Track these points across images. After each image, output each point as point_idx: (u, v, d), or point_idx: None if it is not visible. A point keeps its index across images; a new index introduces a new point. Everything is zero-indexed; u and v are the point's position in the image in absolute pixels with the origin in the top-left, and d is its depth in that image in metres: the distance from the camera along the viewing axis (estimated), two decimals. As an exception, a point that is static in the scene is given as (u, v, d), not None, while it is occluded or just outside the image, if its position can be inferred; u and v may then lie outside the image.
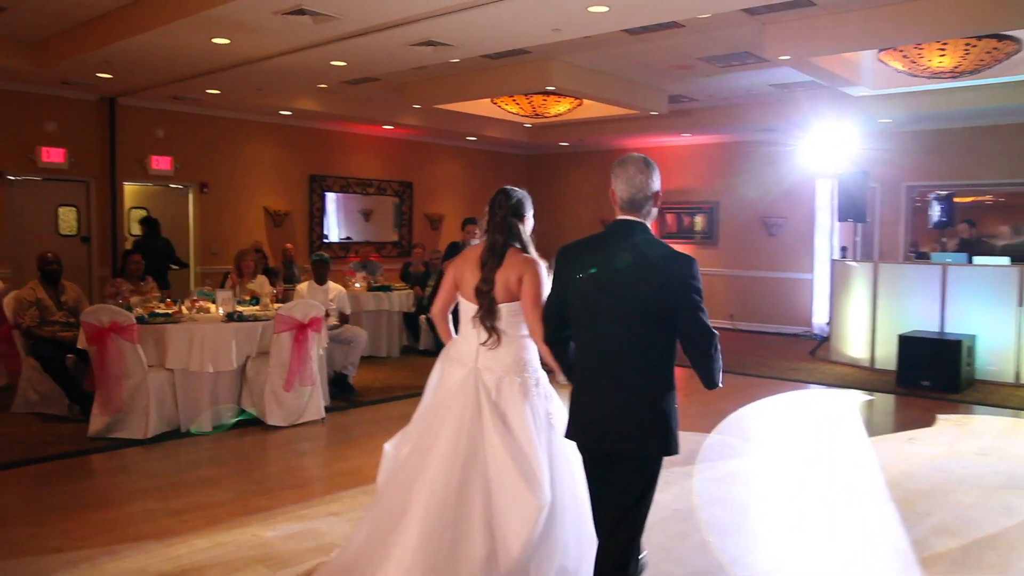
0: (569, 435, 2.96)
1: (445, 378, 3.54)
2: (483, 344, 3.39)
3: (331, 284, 8.39)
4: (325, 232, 13.38)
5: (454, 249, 9.36)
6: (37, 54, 8.86)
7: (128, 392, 6.14)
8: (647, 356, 2.77)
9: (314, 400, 6.83)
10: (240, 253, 8.68)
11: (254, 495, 5.02)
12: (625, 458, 2.82)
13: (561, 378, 3.14)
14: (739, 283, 13.96)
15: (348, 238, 13.78)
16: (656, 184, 2.90)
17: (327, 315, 7.88)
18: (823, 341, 10.87)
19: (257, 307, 7.30)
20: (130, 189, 11.62)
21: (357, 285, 10.34)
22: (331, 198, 13.46)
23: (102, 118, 10.72)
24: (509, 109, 11.34)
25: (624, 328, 2.77)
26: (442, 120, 13.15)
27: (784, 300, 13.41)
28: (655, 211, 2.94)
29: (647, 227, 2.89)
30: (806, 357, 10.80)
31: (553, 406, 3.43)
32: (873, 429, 7.14)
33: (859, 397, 8.38)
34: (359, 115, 12.32)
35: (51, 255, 7.17)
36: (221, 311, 6.81)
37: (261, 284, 8.48)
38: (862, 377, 9.41)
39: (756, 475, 5.71)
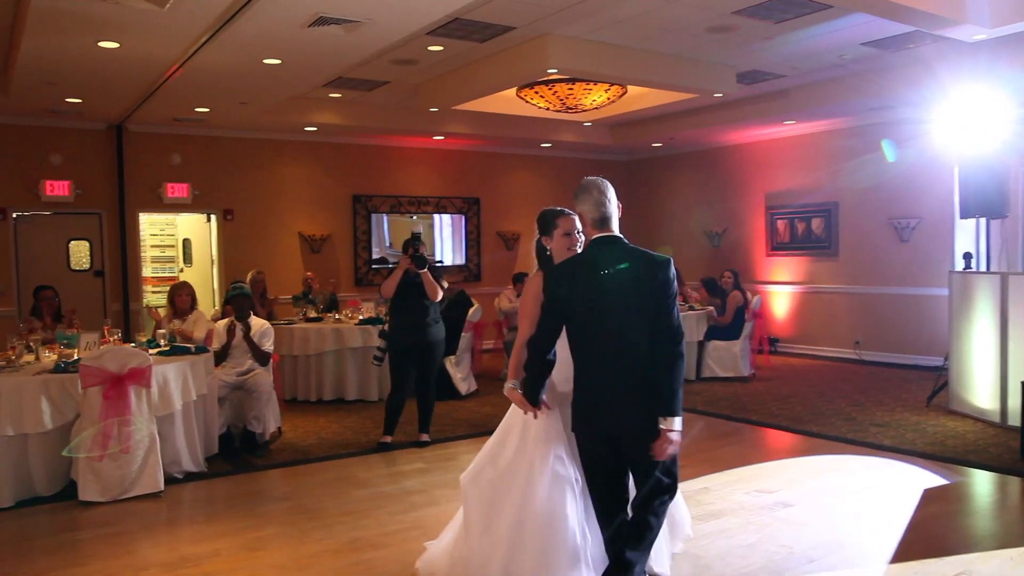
0: (577, 427, 3.35)
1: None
2: None
3: (254, 319, 7.08)
4: (373, 256, 12.20)
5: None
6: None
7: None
8: (646, 348, 3.12)
9: (149, 469, 5.50)
10: (173, 287, 7.61)
11: None
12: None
13: (510, 384, 3.46)
14: (865, 303, 11.06)
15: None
16: (615, 199, 3.34)
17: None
18: (944, 384, 7.95)
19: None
20: (182, 220, 11.19)
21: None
22: (379, 220, 12.26)
23: (110, 147, 10.25)
24: (536, 104, 9.56)
25: (627, 327, 3.13)
26: (496, 126, 11.60)
27: (917, 323, 10.38)
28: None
29: (622, 237, 3.27)
30: (920, 404, 7.98)
31: None
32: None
33: (972, 486, 5.64)
34: (396, 127, 11.06)
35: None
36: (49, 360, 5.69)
37: (195, 322, 7.38)
38: (987, 440, 6.57)
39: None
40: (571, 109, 9.53)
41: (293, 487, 5.75)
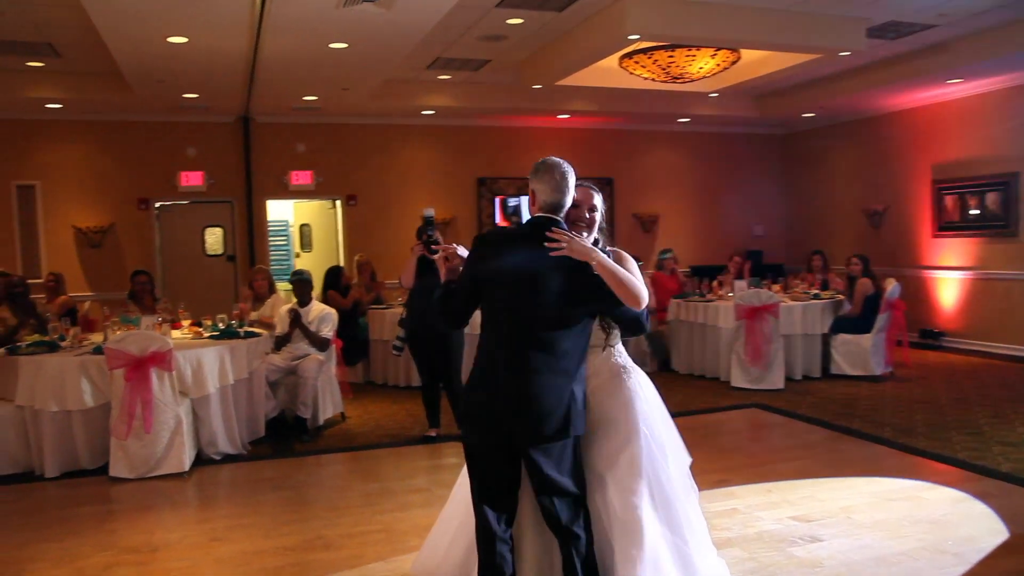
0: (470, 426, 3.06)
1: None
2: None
3: (317, 305, 7.11)
4: (498, 241, 11.97)
5: None
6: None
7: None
8: (563, 345, 2.90)
9: (175, 449, 5.63)
10: (251, 272, 7.83)
11: None
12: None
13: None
14: (1049, 293, 9.29)
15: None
16: (573, 191, 3.03)
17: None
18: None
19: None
20: (300, 206, 11.64)
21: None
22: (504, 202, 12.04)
23: (238, 138, 10.79)
24: (639, 74, 8.87)
25: (545, 320, 2.88)
26: (623, 101, 10.96)
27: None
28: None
29: (565, 227, 2.97)
30: (1081, 418, 6.53)
31: None
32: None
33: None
34: (515, 106, 10.77)
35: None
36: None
37: (272, 306, 7.57)
38: None
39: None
40: (677, 79, 8.73)
41: (307, 476, 5.68)
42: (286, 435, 6.67)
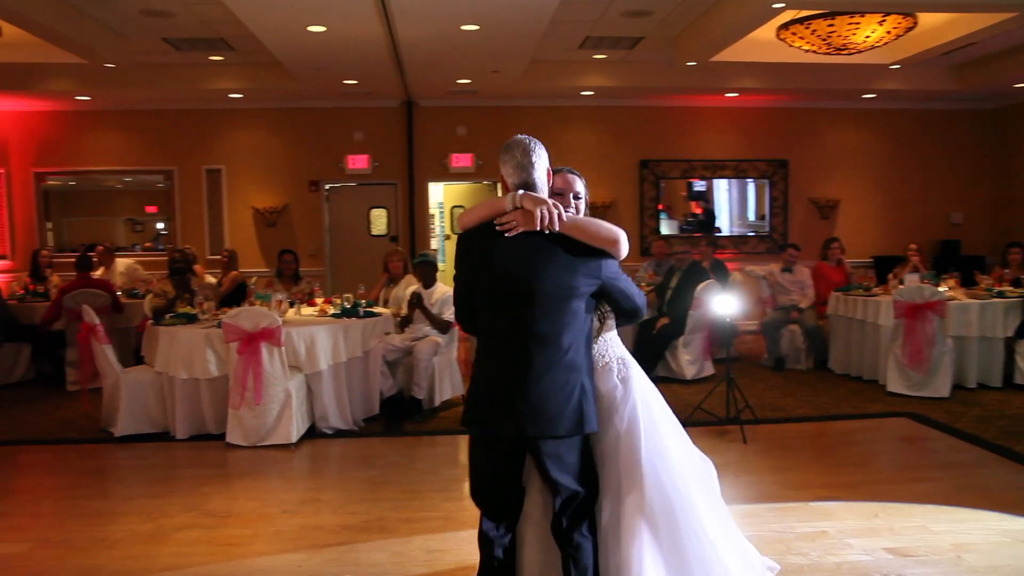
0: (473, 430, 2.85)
1: None
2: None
3: (439, 284, 7.19)
4: (662, 226, 11.56)
5: None
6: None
7: (108, 391, 6.27)
8: (564, 336, 2.68)
9: (285, 422, 5.91)
10: (387, 252, 8.04)
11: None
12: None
13: None
14: None
15: (688, 230, 11.67)
16: (543, 162, 2.78)
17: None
18: None
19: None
20: (450, 188, 11.88)
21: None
22: (667, 185, 11.57)
23: (402, 121, 11.14)
24: (799, 47, 8.14)
25: (539, 311, 2.66)
26: (795, 77, 10.17)
27: None
28: (548, 187, 2.81)
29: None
30: None
31: None
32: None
33: None
34: (678, 85, 10.30)
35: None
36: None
37: (407, 287, 7.76)
38: None
39: None
40: (841, 50, 7.90)
41: (400, 457, 5.74)
42: (400, 415, 6.81)
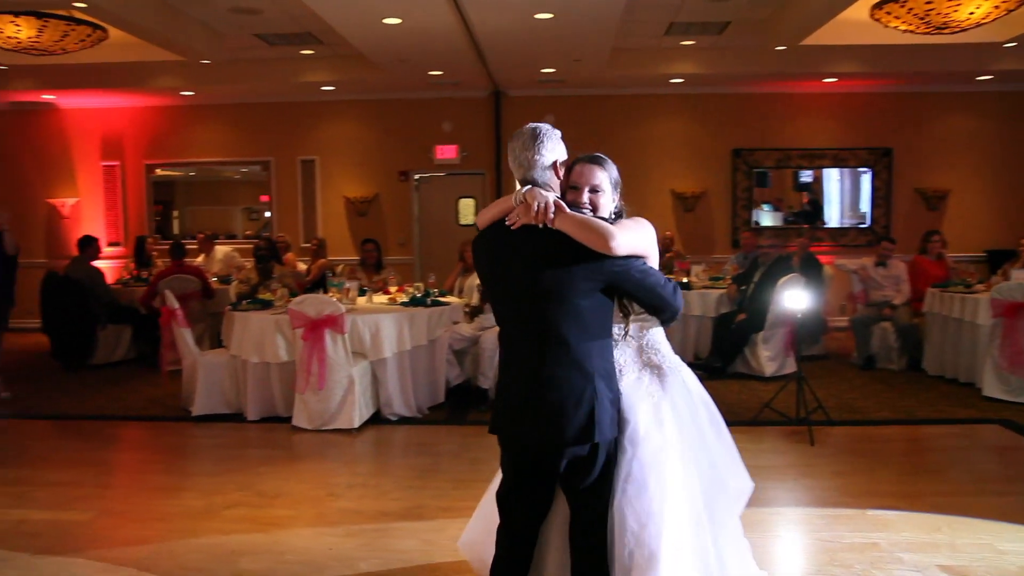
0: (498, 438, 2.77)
1: None
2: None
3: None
4: (753, 217, 11.17)
5: None
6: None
7: (187, 372, 6.59)
8: (571, 334, 2.53)
9: (348, 407, 6.06)
10: (464, 243, 8.08)
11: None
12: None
13: None
14: None
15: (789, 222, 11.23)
16: (548, 155, 2.60)
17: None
18: None
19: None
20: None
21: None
22: (773, 176, 11.18)
23: (490, 112, 11.18)
24: (895, 27, 7.67)
25: (544, 309, 2.53)
26: (899, 60, 9.57)
27: None
28: (558, 182, 2.64)
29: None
30: None
31: None
32: None
33: None
34: (772, 71, 9.89)
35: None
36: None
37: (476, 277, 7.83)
38: None
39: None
40: (942, 29, 7.39)
41: (456, 446, 5.80)
42: (466, 404, 6.86)
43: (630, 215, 2.80)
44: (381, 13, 7.18)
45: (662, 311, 2.65)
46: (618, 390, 2.64)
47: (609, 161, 2.76)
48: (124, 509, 4.53)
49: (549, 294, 2.52)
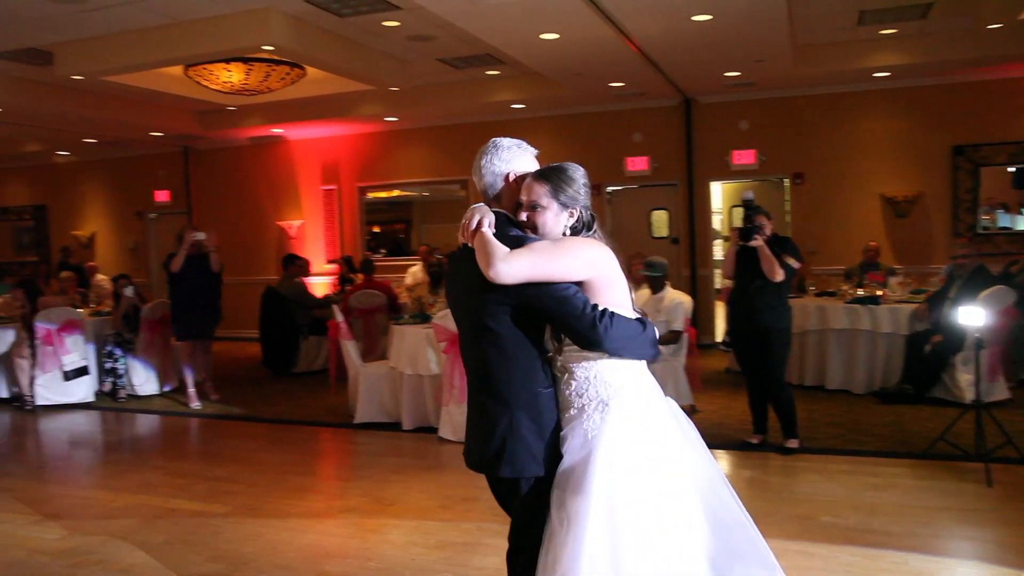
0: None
1: None
2: None
3: (669, 291, 6.94)
4: (981, 222, 9.86)
5: None
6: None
7: (351, 382, 7.03)
8: (487, 360, 2.40)
9: (488, 420, 6.14)
10: (629, 256, 7.90)
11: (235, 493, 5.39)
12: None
13: None
14: None
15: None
16: (500, 166, 2.48)
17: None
18: None
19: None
20: (731, 187, 11.30)
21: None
22: (988, 173, 9.84)
23: (680, 120, 10.86)
24: None
25: (469, 332, 2.46)
26: None
27: None
28: (512, 196, 2.50)
29: (506, 217, 2.45)
30: None
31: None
32: None
33: None
34: (999, 53, 8.69)
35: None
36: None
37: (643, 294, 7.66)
38: None
39: None
40: None
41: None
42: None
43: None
44: (537, 30, 7.24)
45: (581, 343, 2.34)
46: (551, 424, 2.40)
47: (566, 174, 2.45)
48: (258, 506, 4.93)
49: (472, 317, 2.42)
